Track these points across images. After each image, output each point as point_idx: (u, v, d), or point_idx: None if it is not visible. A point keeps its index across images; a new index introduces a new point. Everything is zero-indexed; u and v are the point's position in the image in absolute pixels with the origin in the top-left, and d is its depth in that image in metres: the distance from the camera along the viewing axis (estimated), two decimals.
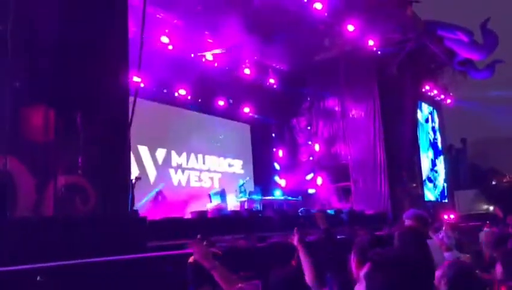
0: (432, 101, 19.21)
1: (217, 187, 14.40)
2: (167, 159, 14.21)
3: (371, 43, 14.22)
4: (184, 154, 14.79)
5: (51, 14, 6.31)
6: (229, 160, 16.25)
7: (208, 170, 15.49)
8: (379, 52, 14.97)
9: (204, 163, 15.39)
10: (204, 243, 5.48)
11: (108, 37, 6.82)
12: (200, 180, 15.08)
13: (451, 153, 22.35)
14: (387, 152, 15.12)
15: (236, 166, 16.51)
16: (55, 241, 5.19)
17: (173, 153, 14.46)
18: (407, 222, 4.09)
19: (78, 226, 5.71)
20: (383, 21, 13.81)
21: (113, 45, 6.94)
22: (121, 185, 6.86)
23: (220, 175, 15.75)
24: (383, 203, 14.87)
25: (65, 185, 6.03)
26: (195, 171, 15.04)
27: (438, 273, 2.55)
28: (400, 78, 15.66)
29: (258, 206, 12.83)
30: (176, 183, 14.36)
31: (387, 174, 15.00)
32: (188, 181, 14.74)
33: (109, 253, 5.41)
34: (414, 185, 16.42)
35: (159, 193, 12.87)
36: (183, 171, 14.67)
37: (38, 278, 4.38)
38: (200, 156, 15.26)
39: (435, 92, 18.71)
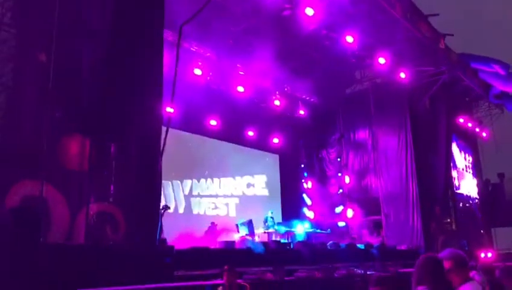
0: (466, 135, 18.73)
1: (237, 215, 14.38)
2: (194, 188, 14.35)
3: (402, 75, 14.13)
4: (213, 183, 14.90)
5: (92, 48, 6.65)
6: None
7: (228, 196, 15.48)
8: (411, 85, 14.84)
9: (228, 190, 15.42)
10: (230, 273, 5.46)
11: (144, 71, 7.09)
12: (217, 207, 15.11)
13: (487, 188, 21.53)
14: (420, 185, 14.72)
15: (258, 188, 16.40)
16: (86, 268, 5.28)
17: (202, 181, 14.60)
18: (446, 263, 3.84)
19: (108, 254, 5.79)
20: (415, 54, 13.75)
21: (149, 78, 7.20)
22: (150, 214, 6.96)
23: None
24: (415, 238, 14.38)
25: (97, 212, 6.17)
26: (218, 197, 15.10)
27: None
28: (433, 110, 15.41)
29: (286, 238, 12.66)
30: (202, 212, 14.43)
31: (420, 208, 14.56)
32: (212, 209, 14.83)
33: (137, 281, 5.45)
34: (448, 220, 15.85)
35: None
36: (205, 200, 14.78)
37: None
38: (226, 183, 15.31)
39: (470, 125, 18.26)
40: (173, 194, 13.78)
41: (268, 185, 16.80)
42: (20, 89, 6.22)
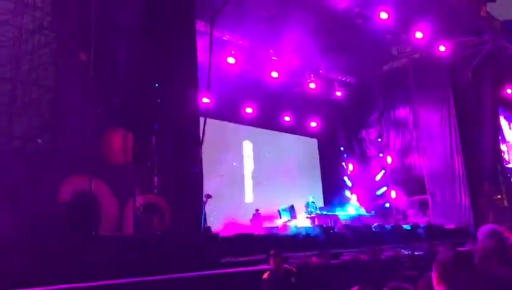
0: None
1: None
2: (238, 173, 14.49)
3: (442, 48, 13.57)
4: (251, 170, 14.99)
5: (128, 44, 6.80)
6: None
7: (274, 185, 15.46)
8: (452, 58, 14.23)
9: (271, 179, 15.42)
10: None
11: (180, 63, 7.19)
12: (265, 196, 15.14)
13: None
14: (466, 162, 14.18)
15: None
16: (135, 259, 5.47)
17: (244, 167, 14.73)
18: (483, 243, 3.68)
19: (155, 243, 5.97)
20: (455, 25, 13.14)
21: (184, 69, 7.30)
22: (194, 203, 7.11)
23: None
24: (464, 216, 13.91)
25: (143, 204, 6.37)
26: (261, 187, 15.15)
27: None
28: (477, 82, 14.71)
29: (329, 222, 12.59)
30: (247, 200, 14.57)
31: (468, 185, 14.05)
32: (256, 197, 14.91)
33: (185, 269, 5.59)
34: (499, 196, 15.21)
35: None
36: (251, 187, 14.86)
37: None
38: (266, 171, 15.34)
39: None
40: None
41: (307, 169, 16.67)
42: (64, 89, 6.45)
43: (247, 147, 15.29)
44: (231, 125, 14.52)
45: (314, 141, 17.53)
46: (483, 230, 3.78)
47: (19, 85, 5.99)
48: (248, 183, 15.09)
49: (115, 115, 6.52)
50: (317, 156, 17.48)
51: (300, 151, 16.48)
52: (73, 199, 5.67)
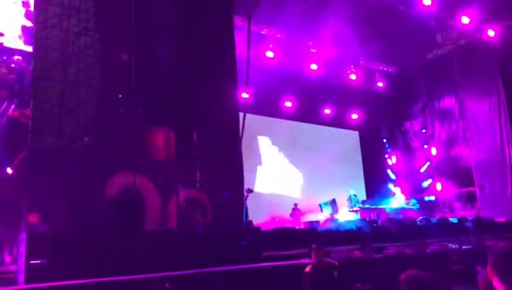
0: None
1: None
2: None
3: (490, 33, 12.93)
4: (291, 165, 14.97)
5: (167, 43, 6.95)
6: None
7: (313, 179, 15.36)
8: (501, 43, 13.52)
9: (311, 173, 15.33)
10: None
11: (218, 59, 7.27)
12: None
13: None
14: None
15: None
16: (180, 252, 5.62)
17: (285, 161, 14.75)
18: None
19: (199, 237, 6.10)
20: (504, 7, 12.47)
21: (224, 65, 7.38)
22: (235, 197, 7.19)
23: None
24: None
25: (186, 199, 6.52)
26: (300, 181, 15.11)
27: None
28: None
29: (373, 216, 12.38)
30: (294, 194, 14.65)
31: None
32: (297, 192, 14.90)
33: (226, 263, 5.68)
34: None
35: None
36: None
37: (167, 285, 4.78)
38: (307, 165, 15.25)
39: None
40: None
41: (349, 162, 16.43)
42: (108, 88, 6.69)
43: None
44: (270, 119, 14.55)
45: (356, 134, 17.22)
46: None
47: (68, 86, 6.26)
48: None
49: (157, 113, 6.69)
50: (359, 149, 17.16)
51: (341, 143, 16.27)
52: (119, 195, 5.89)
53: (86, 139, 6.08)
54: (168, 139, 6.58)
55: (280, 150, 14.76)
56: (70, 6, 6.52)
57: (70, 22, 6.50)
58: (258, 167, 14.13)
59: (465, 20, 12.27)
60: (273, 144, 14.43)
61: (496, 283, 1.95)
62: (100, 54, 6.70)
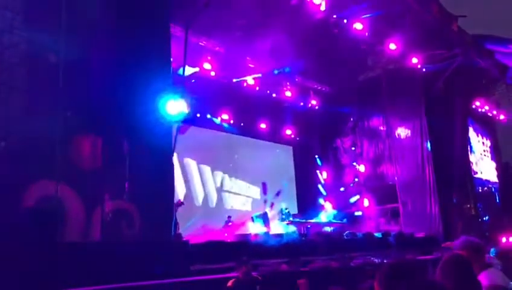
0: (483, 118, 18.38)
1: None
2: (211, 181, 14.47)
3: (414, 60, 13.89)
4: (225, 177, 15.00)
5: (100, 47, 6.70)
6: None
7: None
8: (424, 70, 14.58)
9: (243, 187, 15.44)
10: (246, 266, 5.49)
11: (152, 67, 7.13)
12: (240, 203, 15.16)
13: (507, 171, 21.12)
14: (437, 172, 14.51)
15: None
16: (103, 265, 5.37)
17: (217, 175, 14.71)
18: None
19: (124, 250, 5.87)
20: (427, 38, 13.49)
21: (158, 74, 7.24)
22: (165, 209, 7.03)
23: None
24: (433, 225, 14.21)
25: (112, 210, 6.27)
26: (235, 194, 15.15)
27: None
28: (448, 95, 15.13)
29: (302, 229, 12.66)
30: (227, 206, 14.59)
31: (438, 195, 14.37)
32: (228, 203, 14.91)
33: (154, 277, 5.52)
34: (468, 205, 15.62)
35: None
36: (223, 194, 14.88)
37: None
38: (239, 180, 15.35)
39: (487, 108, 17.90)
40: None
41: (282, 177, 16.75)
42: (33, 91, 6.31)
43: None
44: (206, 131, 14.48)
45: (290, 149, 17.62)
46: (458, 241, 3.74)
47: None
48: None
49: (85, 119, 6.41)
50: (292, 164, 17.57)
51: (276, 157, 16.58)
52: (37, 204, 5.54)
53: (3, 144, 5.66)
54: (95, 147, 6.31)
55: (214, 161, 14.69)
56: None
57: None
58: (192, 179, 13.96)
59: (392, 46, 13.08)
60: (207, 156, 14.31)
61: None
62: (26, 53, 6.33)
